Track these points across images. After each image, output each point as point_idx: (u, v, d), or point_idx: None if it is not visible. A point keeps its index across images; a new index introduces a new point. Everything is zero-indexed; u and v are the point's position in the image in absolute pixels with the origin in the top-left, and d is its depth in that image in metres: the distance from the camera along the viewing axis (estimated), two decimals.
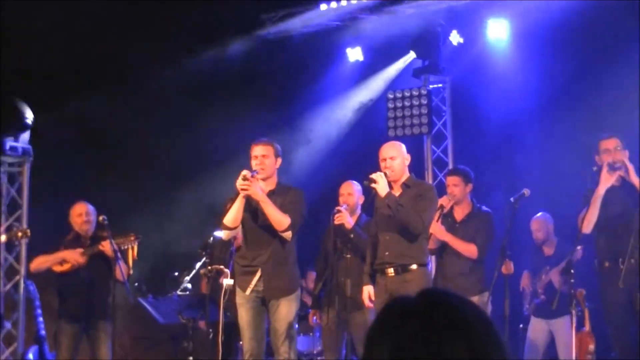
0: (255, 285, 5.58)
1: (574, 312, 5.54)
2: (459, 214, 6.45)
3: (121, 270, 6.43)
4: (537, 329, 6.98)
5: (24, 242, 6.81)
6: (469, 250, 6.25)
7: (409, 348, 1.29)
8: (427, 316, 1.32)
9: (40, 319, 7.26)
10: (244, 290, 5.61)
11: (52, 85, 8.81)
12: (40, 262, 6.71)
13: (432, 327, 1.31)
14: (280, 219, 5.50)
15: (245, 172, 5.46)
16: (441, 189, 6.67)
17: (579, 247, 6.43)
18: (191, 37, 9.26)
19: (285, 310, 5.58)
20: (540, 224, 7.01)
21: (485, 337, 1.32)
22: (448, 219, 6.41)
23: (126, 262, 6.56)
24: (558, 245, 7.01)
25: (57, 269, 6.60)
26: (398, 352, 1.30)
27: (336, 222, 6.10)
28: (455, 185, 6.41)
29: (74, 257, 6.53)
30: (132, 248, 6.58)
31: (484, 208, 6.52)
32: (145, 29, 8.82)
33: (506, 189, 7.40)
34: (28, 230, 6.70)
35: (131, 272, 6.59)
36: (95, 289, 6.56)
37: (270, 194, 5.61)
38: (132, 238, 6.58)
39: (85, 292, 6.54)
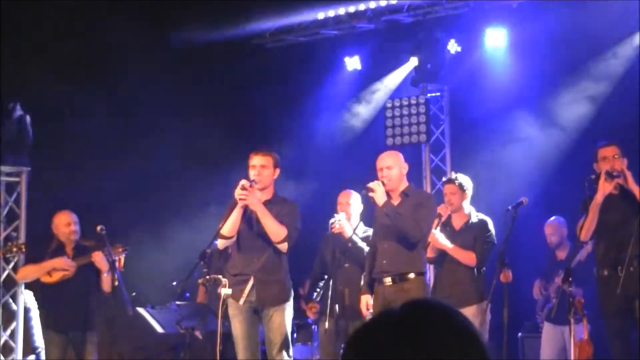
0: (249, 294, 5.57)
1: (572, 320, 5.56)
2: (457, 222, 6.45)
3: (119, 282, 6.42)
4: (550, 335, 6.98)
5: (20, 255, 6.78)
6: (468, 258, 6.25)
7: (371, 355, 1.34)
8: (395, 326, 1.36)
9: (34, 330, 7.24)
10: (238, 300, 5.59)
11: (51, 96, 8.83)
12: (29, 272, 6.66)
13: (396, 335, 1.34)
14: (277, 231, 5.51)
15: (243, 182, 5.47)
16: (439, 198, 6.68)
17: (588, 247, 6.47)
18: (188, 44, 9.29)
19: (279, 320, 5.58)
20: (554, 227, 7.06)
21: (454, 348, 1.33)
22: (447, 228, 6.39)
23: (112, 272, 6.53)
24: (571, 250, 7.01)
25: (46, 279, 6.55)
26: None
27: (335, 231, 6.10)
28: (453, 194, 6.40)
29: (66, 265, 6.45)
30: (120, 260, 6.55)
31: (482, 216, 6.53)
32: (141, 42, 8.86)
33: (505, 197, 7.40)
34: (23, 246, 6.68)
35: (117, 283, 6.52)
36: (82, 300, 6.53)
37: (267, 204, 5.62)
38: (120, 249, 6.56)
39: (72, 302, 6.49)
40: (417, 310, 1.38)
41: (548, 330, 7.02)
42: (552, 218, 7.05)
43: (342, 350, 1.40)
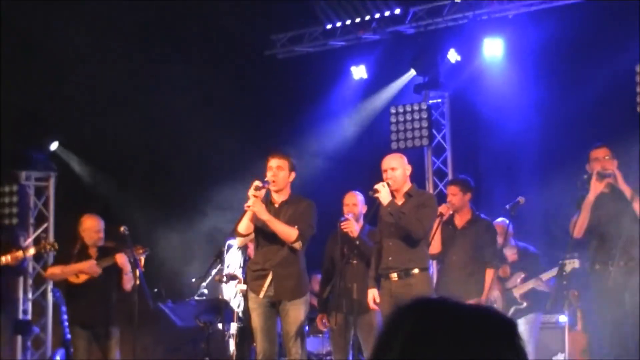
0: (267, 289, 5.63)
1: (567, 311, 5.62)
2: (460, 221, 6.49)
3: (141, 279, 6.51)
4: None
5: (51, 253, 6.89)
6: (490, 275, 6.21)
7: (416, 350, 1.28)
8: (432, 320, 1.31)
9: (66, 323, 7.34)
10: (258, 294, 5.64)
11: (77, 102, 8.93)
12: (56, 273, 6.74)
13: (436, 331, 1.30)
14: (288, 233, 5.55)
15: (256, 183, 5.50)
16: (442, 199, 6.72)
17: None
18: (206, 56, 9.39)
19: (295, 313, 5.63)
20: (500, 228, 6.86)
21: (480, 339, 1.29)
22: (449, 226, 6.44)
23: (133, 272, 6.61)
24: (521, 252, 6.86)
25: (73, 280, 6.63)
26: (405, 354, 1.28)
27: (344, 230, 6.14)
28: (454, 195, 6.44)
29: (92, 269, 6.54)
30: (140, 260, 6.63)
31: (483, 216, 6.57)
32: (161, 53, 8.95)
33: (504, 197, 7.44)
34: (56, 244, 6.77)
35: (137, 282, 6.56)
36: (106, 297, 6.61)
37: (283, 204, 5.68)
38: (141, 251, 6.63)
39: (96, 300, 6.57)
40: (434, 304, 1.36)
41: None
42: (499, 219, 6.82)
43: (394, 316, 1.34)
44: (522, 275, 6.74)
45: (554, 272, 6.49)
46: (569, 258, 6.35)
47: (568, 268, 6.36)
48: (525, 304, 6.77)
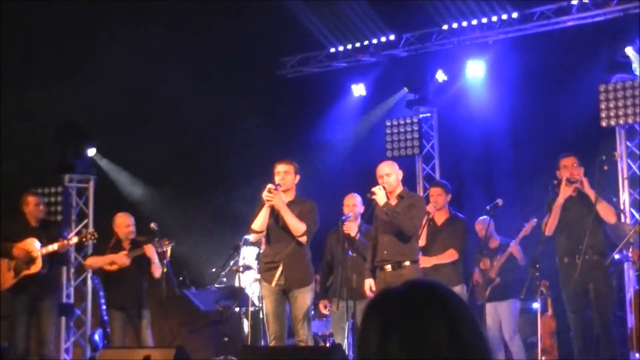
0: (278, 278, 5.65)
1: (539, 298, 5.63)
2: (440, 219, 6.53)
3: (168, 269, 6.53)
4: (490, 314, 6.95)
5: (90, 243, 6.93)
6: (451, 256, 6.29)
7: (396, 323, 1.30)
8: (411, 298, 1.34)
9: (104, 307, 7.37)
10: (270, 283, 5.65)
11: (112, 114, 8.97)
12: (94, 262, 6.81)
13: (415, 305, 1.32)
14: (297, 226, 5.57)
15: (270, 186, 5.54)
16: (429, 200, 6.74)
17: (533, 220, 6.51)
18: (225, 76, 9.43)
19: (303, 299, 5.64)
20: (482, 224, 6.84)
21: (461, 315, 1.33)
22: (430, 223, 6.49)
23: (161, 261, 6.65)
24: (501, 240, 6.99)
25: (107, 268, 6.69)
26: (387, 327, 1.31)
27: (346, 231, 6.16)
28: (439, 195, 6.48)
29: (121, 260, 6.59)
30: (167, 251, 6.66)
31: (460, 215, 6.60)
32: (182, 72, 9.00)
33: (484, 199, 7.46)
34: (95, 233, 6.82)
35: (165, 269, 6.61)
36: (137, 284, 6.64)
37: (290, 204, 5.69)
38: (167, 242, 6.67)
39: (129, 286, 6.61)
40: (419, 285, 1.39)
41: (489, 310, 6.99)
42: (481, 217, 6.88)
43: (367, 310, 1.37)
44: (499, 256, 6.85)
45: (521, 233, 6.70)
46: (528, 221, 6.62)
47: (528, 229, 6.58)
48: (498, 279, 6.77)
